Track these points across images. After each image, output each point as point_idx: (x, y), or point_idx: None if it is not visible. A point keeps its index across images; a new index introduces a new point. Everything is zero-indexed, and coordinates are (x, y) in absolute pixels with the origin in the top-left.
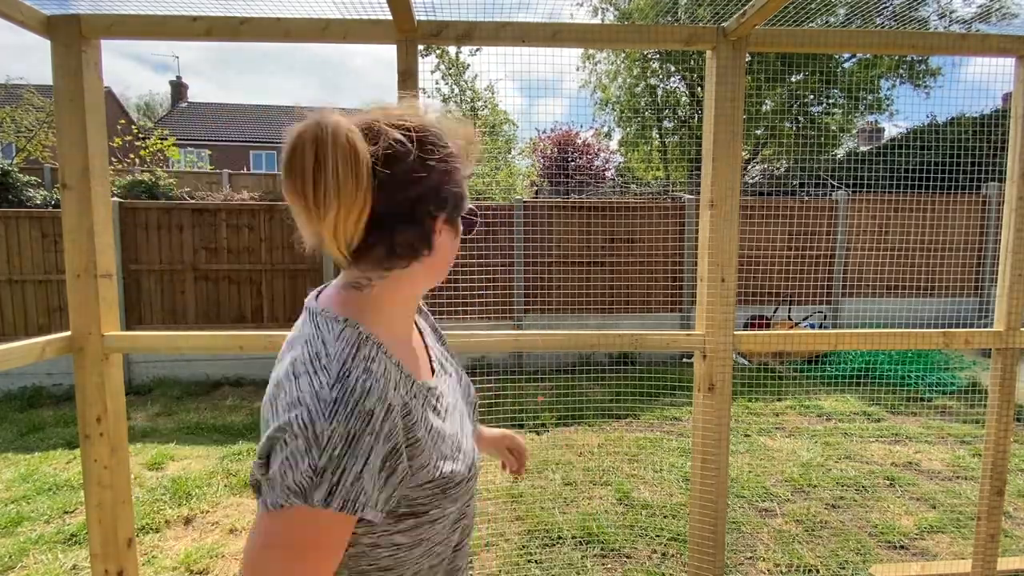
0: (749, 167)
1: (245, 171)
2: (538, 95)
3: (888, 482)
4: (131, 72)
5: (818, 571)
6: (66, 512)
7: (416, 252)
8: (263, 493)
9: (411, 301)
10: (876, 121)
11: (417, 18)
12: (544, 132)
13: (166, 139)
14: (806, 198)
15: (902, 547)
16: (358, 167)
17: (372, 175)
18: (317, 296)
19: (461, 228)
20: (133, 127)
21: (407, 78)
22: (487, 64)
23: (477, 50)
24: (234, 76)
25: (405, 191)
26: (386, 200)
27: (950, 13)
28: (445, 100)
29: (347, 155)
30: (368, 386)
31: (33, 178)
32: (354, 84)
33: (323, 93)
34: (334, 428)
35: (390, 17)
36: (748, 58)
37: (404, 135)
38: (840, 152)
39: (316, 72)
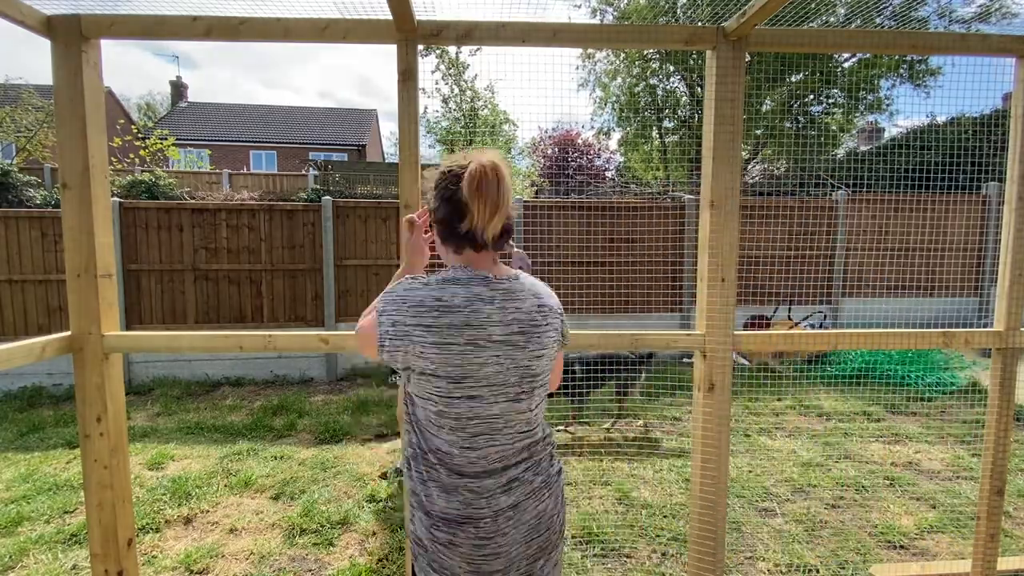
0: (749, 167)
1: (245, 171)
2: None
3: (888, 482)
4: (150, 64)
5: (818, 571)
6: (66, 512)
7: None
8: (564, 343)
9: None
10: (876, 121)
11: (417, 18)
12: (546, 132)
13: (166, 139)
14: (806, 198)
15: (902, 547)
16: None
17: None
18: (496, 274)
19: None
20: (133, 127)
21: (407, 78)
22: (530, 57)
23: (477, 50)
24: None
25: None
26: None
27: (950, 13)
28: (445, 101)
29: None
30: None
31: (33, 178)
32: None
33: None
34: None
35: (390, 17)
36: (748, 58)
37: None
38: (840, 152)
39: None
